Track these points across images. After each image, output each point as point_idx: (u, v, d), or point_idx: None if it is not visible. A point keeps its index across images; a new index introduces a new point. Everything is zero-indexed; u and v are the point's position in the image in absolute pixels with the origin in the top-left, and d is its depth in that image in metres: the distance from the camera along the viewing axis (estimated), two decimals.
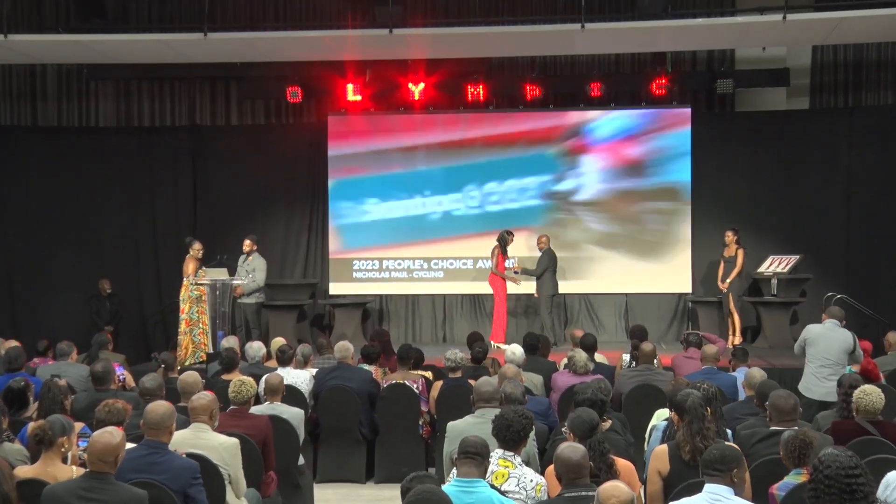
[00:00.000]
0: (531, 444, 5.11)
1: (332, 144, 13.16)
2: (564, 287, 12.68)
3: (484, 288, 12.22)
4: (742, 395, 6.59)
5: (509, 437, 4.35)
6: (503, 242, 11.57)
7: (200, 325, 10.56)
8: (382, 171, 13.13)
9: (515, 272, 11.73)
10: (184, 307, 10.68)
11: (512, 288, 11.68)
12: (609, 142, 12.86)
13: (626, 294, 12.91)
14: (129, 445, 4.44)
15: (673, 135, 12.70)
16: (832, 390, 6.38)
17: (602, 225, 12.87)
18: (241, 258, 11.56)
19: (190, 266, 11.01)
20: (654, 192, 12.77)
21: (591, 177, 12.91)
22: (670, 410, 5.06)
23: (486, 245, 12.17)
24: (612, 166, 12.85)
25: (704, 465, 3.77)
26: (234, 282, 10.95)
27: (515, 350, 7.42)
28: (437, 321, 13.22)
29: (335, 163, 13.16)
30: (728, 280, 11.44)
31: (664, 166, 12.74)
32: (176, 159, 13.41)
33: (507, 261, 11.72)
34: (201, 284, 10.64)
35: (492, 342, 11.35)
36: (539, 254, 11.86)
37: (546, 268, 11.71)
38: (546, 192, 12.94)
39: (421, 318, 13.26)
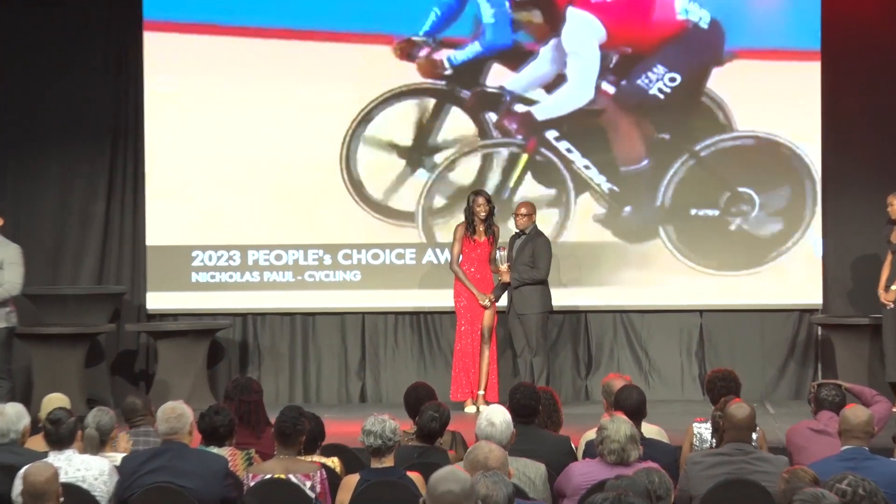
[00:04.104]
0: None
1: (151, 31, 13.09)
2: (582, 297, 12.98)
3: (443, 299, 12.44)
4: None
5: None
6: (466, 213, 11.94)
7: None
8: (246, 77, 13.17)
9: (503, 284, 11.93)
10: None
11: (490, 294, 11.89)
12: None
13: (701, 311, 13.10)
14: None
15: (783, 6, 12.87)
16: None
17: (648, 189, 13.06)
18: None
19: None
20: (744, 125, 12.95)
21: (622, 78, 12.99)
22: None
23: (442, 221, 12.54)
24: (664, 68, 12.92)
25: None
26: None
27: (495, 417, 7.31)
28: (351, 363, 13.30)
29: (159, 64, 13.11)
30: (894, 286, 11.60)
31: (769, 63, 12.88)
32: None
33: (494, 251, 11.91)
34: None
35: (469, 403, 11.68)
36: (516, 235, 12.08)
37: (549, 263, 11.98)
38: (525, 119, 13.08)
39: (321, 358, 13.34)
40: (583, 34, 12.87)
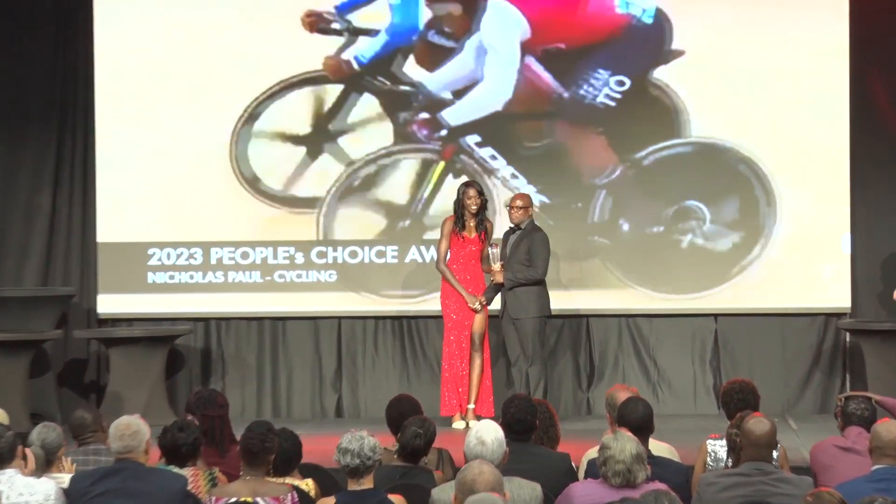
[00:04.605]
0: None
1: (104, 3, 13.15)
2: (583, 299, 13.08)
3: (429, 302, 12.67)
4: None
5: None
6: (456, 207, 11.98)
7: None
8: (208, 56, 13.29)
9: (496, 285, 11.95)
10: None
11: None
12: None
13: (715, 314, 13.12)
14: None
15: None
16: None
17: (655, 181, 13.21)
18: None
19: None
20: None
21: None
22: None
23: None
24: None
25: None
26: None
27: (486, 435, 7.24)
28: (326, 373, 13.33)
29: (109, 35, 13.19)
30: None
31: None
32: None
33: (486, 248, 11.92)
34: None
35: (457, 418, 11.83)
36: (511, 230, 12.10)
37: (548, 262, 11.96)
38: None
39: (292, 368, 13.34)
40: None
